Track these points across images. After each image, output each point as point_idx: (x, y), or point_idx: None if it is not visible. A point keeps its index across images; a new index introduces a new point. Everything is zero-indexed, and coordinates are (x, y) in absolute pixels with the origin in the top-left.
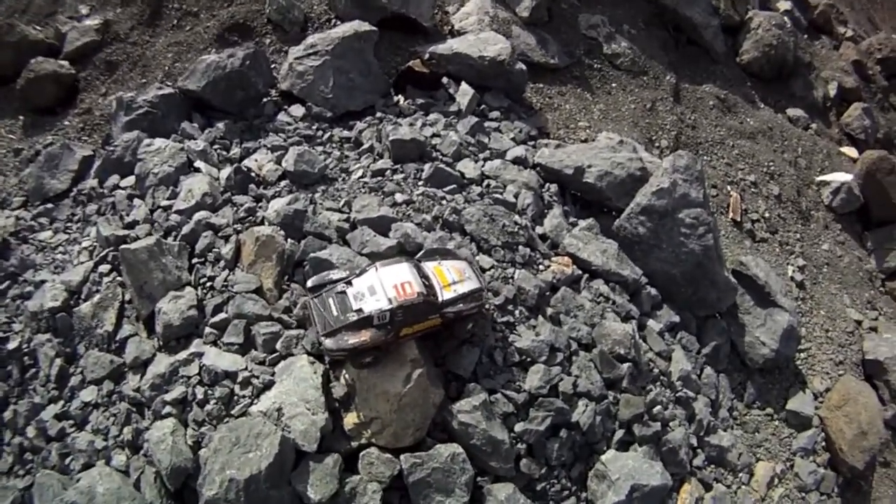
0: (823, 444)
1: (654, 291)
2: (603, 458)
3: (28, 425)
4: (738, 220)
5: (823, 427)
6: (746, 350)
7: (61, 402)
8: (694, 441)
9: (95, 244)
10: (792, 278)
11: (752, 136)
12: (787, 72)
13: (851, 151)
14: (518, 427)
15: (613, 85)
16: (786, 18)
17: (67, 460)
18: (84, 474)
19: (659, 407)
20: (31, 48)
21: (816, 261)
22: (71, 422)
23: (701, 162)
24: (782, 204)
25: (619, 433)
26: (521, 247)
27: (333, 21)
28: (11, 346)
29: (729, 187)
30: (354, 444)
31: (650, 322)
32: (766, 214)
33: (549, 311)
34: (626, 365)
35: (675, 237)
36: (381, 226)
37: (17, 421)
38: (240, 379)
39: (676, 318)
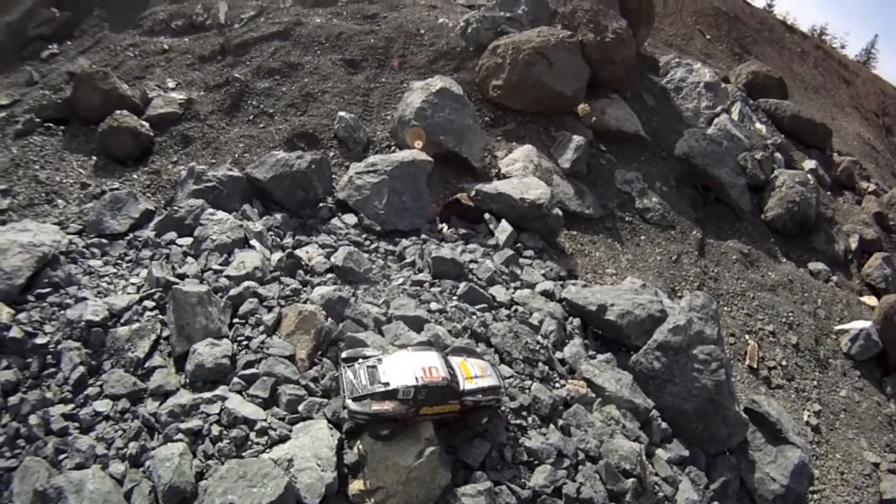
0: None
1: (664, 425)
2: None
3: (32, 413)
4: (755, 366)
5: None
6: (756, 486)
7: (72, 405)
8: None
9: (144, 282)
10: (807, 423)
11: (772, 289)
12: (809, 227)
13: (871, 300)
14: None
15: (642, 237)
16: (809, 176)
17: (61, 456)
18: (76, 471)
19: None
20: (118, 100)
21: (833, 407)
22: (76, 424)
23: (716, 303)
24: (800, 353)
25: None
26: (540, 363)
27: (392, 148)
28: (39, 341)
29: (747, 336)
30: None
31: (658, 451)
32: (784, 362)
33: (561, 422)
34: (630, 480)
35: (688, 372)
36: (416, 324)
37: (21, 407)
38: (257, 427)
39: (686, 453)
